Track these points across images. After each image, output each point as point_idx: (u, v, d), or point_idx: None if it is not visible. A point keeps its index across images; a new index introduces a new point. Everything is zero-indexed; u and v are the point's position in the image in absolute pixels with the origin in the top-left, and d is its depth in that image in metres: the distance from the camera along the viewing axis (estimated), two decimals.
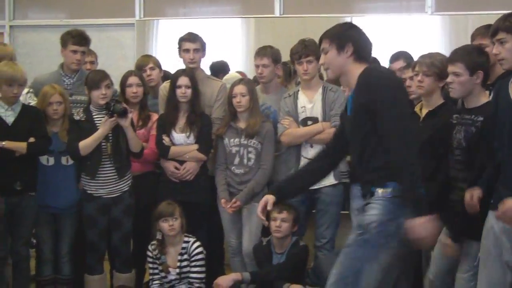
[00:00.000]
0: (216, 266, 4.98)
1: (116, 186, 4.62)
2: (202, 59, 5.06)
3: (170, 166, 4.75)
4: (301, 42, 4.67)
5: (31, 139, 4.45)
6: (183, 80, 4.70)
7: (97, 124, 4.58)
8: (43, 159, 4.63)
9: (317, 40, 3.27)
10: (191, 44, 4.92)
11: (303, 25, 6.45)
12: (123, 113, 4.51)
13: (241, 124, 4.71)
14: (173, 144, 4.76)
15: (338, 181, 4.57)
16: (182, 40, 4.97)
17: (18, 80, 4.43)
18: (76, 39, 5.03)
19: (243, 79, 4.91)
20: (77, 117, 4.62)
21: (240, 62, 6.70)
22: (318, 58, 3.90)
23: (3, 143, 4.33)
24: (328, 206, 4.62)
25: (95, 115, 4.63)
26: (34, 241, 4.85)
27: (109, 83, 4.63)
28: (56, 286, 4.77)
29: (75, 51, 5.03)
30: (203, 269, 4.58)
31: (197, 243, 4.58)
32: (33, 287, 4.81)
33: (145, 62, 5.30)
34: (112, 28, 6.81)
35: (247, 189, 4.64)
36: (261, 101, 4.87)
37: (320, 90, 4.67)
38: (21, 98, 4.65)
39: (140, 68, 5.23)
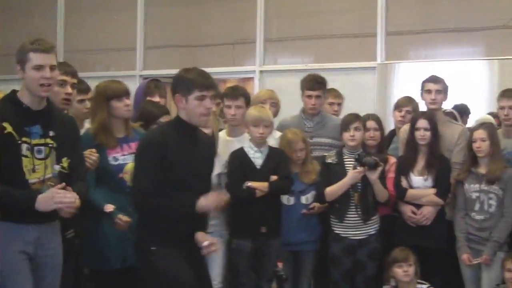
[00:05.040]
0: None
1: (362, 229, 4.67)
2: (444, 102, 5.06)
3: (407, 210, 4.73)
4: None
5: (273, 177, 4.55)
6: (422, 123, 4.71)
7: (347, 168, 4.65)
8: (284, 198, 4.74)
9: None
10: (433, 85, 4.95)
11: None
12: (373, 166, 4.54)
13: (482, 170, 4.60)
14: (411, 187, 4.75)
15: None
16: (424, 81, 5.02)
17: (263, 121, 4.56)
18: (310, 83, 5.21)
19: (483, 124, 4.80)
20: (328, 160, 4.76)
21: (483, 105, 6.51)
22: None
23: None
24: None
25: (346, 158, 4.73)
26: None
27: (359, 126, 4.71)
28: None
29: (309, 96, 5.23)
30: None
31: None
32: None
33: (404, 103, 5.34)
34: (354, 72, 6.98)
35: (492, 244, 4.50)
36: (503, 145, 4.70)
37: None
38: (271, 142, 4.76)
39: (396, 108, 5.32)
